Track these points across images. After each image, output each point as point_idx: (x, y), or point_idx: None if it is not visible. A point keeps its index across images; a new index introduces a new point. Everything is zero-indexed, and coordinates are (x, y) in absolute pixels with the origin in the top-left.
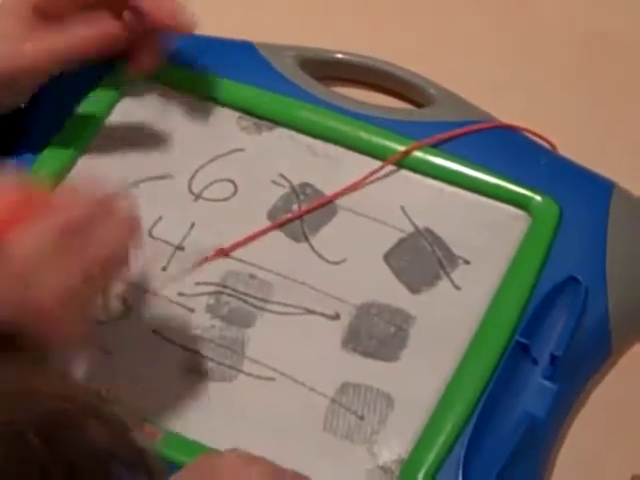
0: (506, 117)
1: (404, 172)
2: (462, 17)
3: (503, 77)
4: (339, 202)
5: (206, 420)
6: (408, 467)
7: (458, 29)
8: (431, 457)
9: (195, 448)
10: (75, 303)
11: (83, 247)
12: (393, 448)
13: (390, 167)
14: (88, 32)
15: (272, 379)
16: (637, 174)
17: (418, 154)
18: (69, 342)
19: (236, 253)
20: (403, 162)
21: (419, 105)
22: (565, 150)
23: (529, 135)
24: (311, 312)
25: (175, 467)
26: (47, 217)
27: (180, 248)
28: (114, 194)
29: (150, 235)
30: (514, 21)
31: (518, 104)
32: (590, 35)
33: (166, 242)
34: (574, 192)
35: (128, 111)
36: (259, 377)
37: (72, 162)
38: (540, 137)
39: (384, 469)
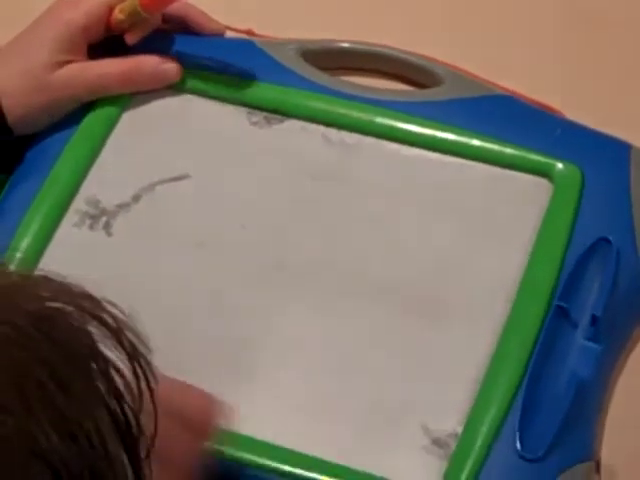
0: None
1: (422, 152)
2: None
3: (503, 54)
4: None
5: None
6: (464, 440)
7: (456, 8)
8: (485, 429)
9: None
10: None
11: None
12: (447, 422)
13: (408, 148)
14: (142, 67)
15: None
16: None
17: (435, 133)
18: None
19: None
20: (420, 142)
21: (426, 87)
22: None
23: (537, 105)
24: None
25: None
26: None
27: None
28: None
29: None
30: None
31: (520, 79)
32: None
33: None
34: (593, 156)
35: (136, 117)
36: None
37: (84, 171)
38: (548, 107)
39: (439, 444)
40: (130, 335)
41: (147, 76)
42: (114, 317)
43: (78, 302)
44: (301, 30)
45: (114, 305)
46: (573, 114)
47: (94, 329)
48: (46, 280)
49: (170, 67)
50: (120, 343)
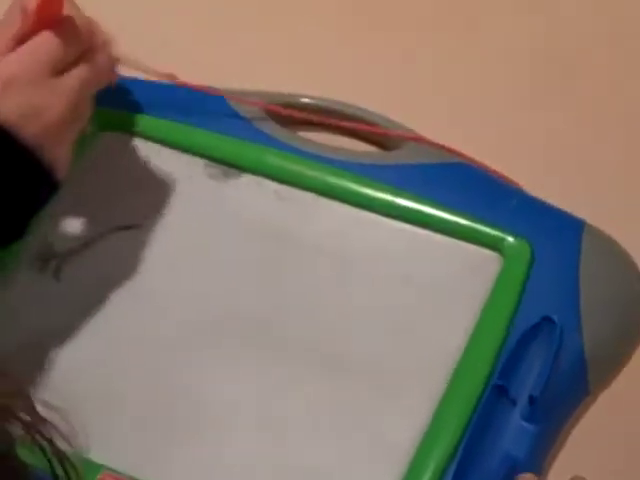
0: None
1: (375, 216)
2: (424, 59)
3: (468, 118)
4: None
5: None
6: None
7: (421, 71)
8: None
9: None
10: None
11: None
12: None
13: (360, 211)
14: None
15: None
16: (605, 211)
17: (389, 198)
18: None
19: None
20: (374, 206)
21: (386, 148)
22: (532, 190)
23: (496, 175)
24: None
25: None
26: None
27: None
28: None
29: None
30: (477, 62)
31: (485, 146)
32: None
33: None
34: (545, 232)
35: (93, 161)
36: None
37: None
38: (506, 178)
39: None
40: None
41: None
42: None
43: None
44: (267, 82)
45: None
46: (535, 189)
47: None
48: None
49: None
50: None
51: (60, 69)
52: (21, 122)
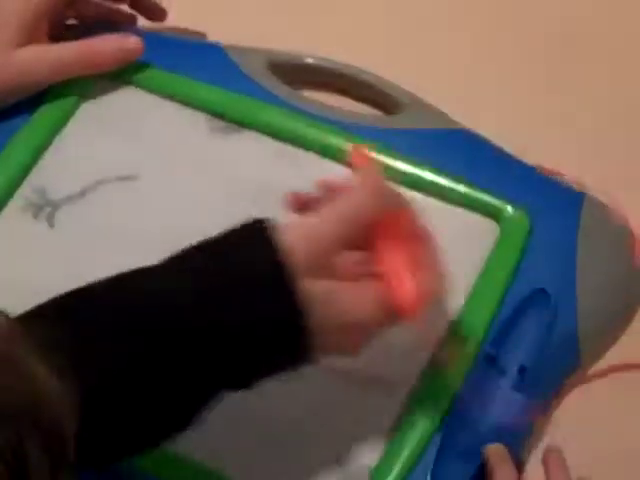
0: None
1: None
2: (437, 26)
3: (475, 87)
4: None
5: None
6: (376, 476)
7: (432, 37)
8: (398, 468)
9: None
10: None
11: None
12: (361, 458)
13: None
14: (103, 46)
15: None
16: (608, 182)
17: (388, 161)
18: None
19: None
20: None
21: (389, 112)
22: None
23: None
24: None
25: None
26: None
27: None
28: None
29: None
30: (487, 34)
31: (489, 115)
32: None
33: None
34: (545, 203)
35: (92, 110)
36: None
37: (34, 159)
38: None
39: (352, 477)
40: None
41: (109, 54)
42: None
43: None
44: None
45: None
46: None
47: None
48: None
49: (132, 42)
50: None
51: None
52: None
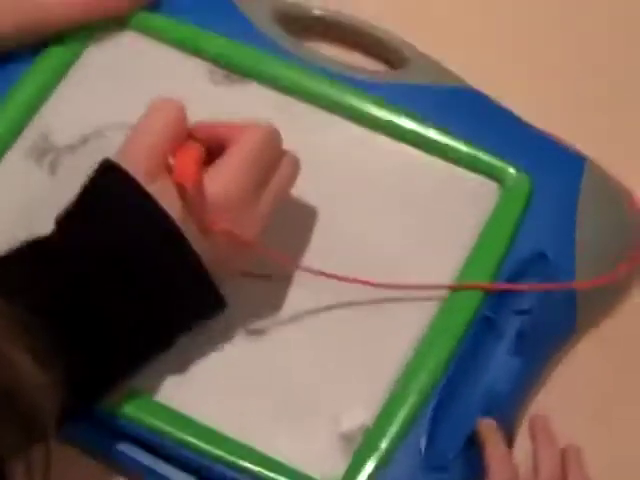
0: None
1: (376, 134)
2: None
3: (481, 46)
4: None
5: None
6: (371, 436)
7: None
8: (394, 428)
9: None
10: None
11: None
12: (358, 416)
13: (361, 128)
14: None
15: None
16: (609, 149)
17: (391, 117)
18: None
19: None
20: (375, 124)
21: (393, 66)
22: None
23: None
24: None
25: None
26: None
27: None
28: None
29: None
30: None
31: (495, 75)
32: None
33: None
34: (546, 165)
35: (96, 57)
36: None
37: (38, 105)
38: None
39: (348, 437)
40: None
41: None
42: None
43: None
44: None
45: None
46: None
47: None
48: None
49: None
50: None
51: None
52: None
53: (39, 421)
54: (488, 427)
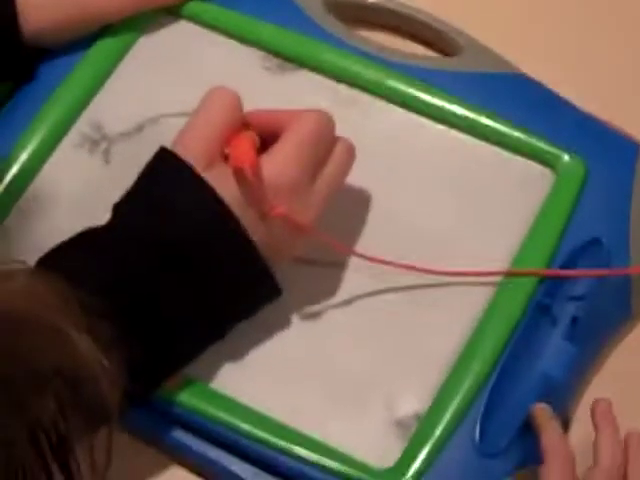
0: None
1: (429, 122)
2: None
3: (534, 33)
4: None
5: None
6: (425, 424)
7: None
8: (448, 415)
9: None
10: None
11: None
12: (412, 402)
13: (415, 116)
14: None
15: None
16: None
17: (444, 104)
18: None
19: None
20: (428, 112)
21: (447, 54)
22: (589, 107)
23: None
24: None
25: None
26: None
27: None
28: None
29: None
30: None
31: (547, 62)
32: None
33: None
34: (601, 152)
35: (148, 46)
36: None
37: (90, 94)
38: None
39: (401, 424)
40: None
41: None
42: None
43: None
44: None
45: None
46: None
47: None
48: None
49: None
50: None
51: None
52: None
53: (103, 405)
54: (544, 413)
